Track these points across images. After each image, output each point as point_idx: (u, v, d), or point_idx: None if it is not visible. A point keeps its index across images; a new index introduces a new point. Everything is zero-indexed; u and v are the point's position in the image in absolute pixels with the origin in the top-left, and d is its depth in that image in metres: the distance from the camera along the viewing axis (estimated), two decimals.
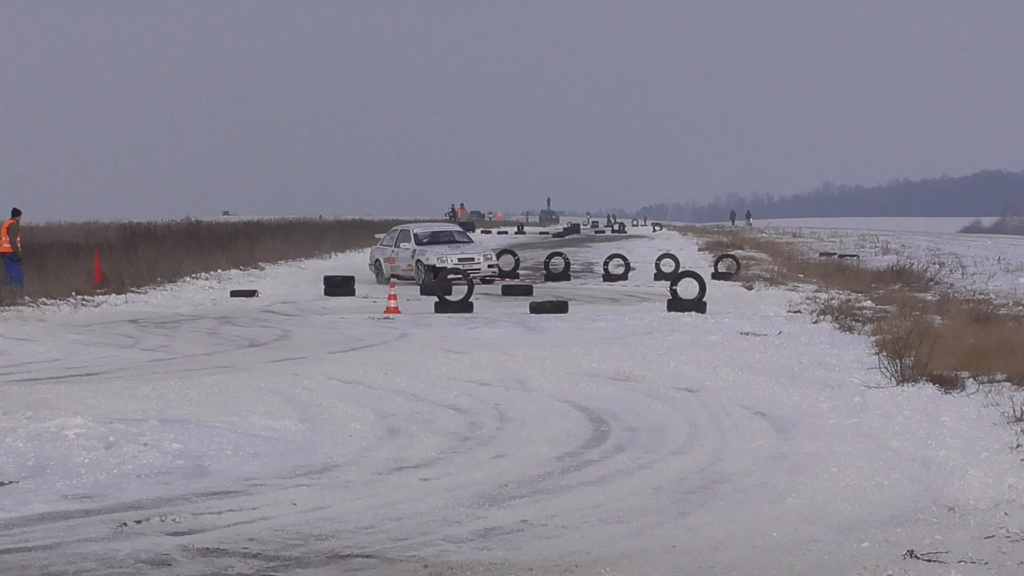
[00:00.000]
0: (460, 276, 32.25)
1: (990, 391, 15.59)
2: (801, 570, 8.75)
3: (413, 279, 38.49)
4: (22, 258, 32.38)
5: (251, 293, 34.53)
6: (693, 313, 27.46)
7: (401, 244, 40.02)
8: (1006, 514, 10.08)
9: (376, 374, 17.85)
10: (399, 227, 42.14)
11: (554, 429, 14.02)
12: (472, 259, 38.33)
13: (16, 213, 33.37)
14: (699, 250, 63.67)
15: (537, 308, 28.28)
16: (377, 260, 41.03)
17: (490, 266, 38.81)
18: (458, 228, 42.68)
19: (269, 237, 56.27)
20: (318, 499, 10.74)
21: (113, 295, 32.10)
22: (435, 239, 40.15)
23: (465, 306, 29.02)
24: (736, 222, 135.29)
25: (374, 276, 40.74)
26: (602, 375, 17.97)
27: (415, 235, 40.21)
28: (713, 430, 13.98)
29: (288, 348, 21.71)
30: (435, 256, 38.19)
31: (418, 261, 38.55)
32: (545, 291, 35.36)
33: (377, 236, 45.78)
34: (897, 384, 16.31)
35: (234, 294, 34.29)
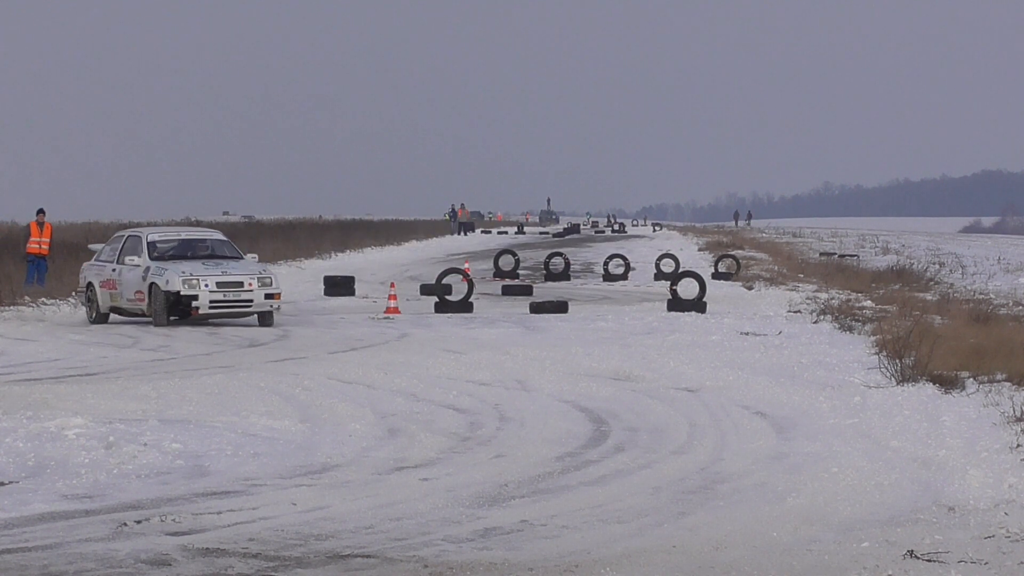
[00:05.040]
0: (225, 309, 25.54)
1: (990, 391, 15.59)
2: (801, 570, 8.74)
3: (142, 312, 26.01)
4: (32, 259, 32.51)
5: None
6: (693, 313, 27.48)
7: (127, 259, 26.37)
8: (1006, 514, 10.08)
9: (376, 374, 17.85)
10: (126, 232, 27.99)
11: (554, 429, 14.02)
12: (240, 283, 25.68)
13: (39, 212, 33.38)
14: (699, 250, 63.71)
15: (537, 308, 28.29)
16: (90, 284, 27.01)
17: (269, 295, 25.68)
18: (220, 236, 28.23)
19: (269, 237, 56.25)
20: (318, 499, 10.74)
21: None
22: (183, 251, 26.80)
23: (465, 306, 29.03)
24: (739, 222, 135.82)
25: (84, 311, 27.40)
26: (602, 375, 17.97)
27: (149, 244, 26.55)
28: (713, 430, 13.98)
29: (288, 348, 21.71)
30: (180, 278, 25.47)
31: (152, 285, 25.59)
32: (545, 291, 35.37)
33: (93, 247, 29.75)
34: (897, 384, 16.31)
35: None
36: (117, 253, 26.82)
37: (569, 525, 9.94)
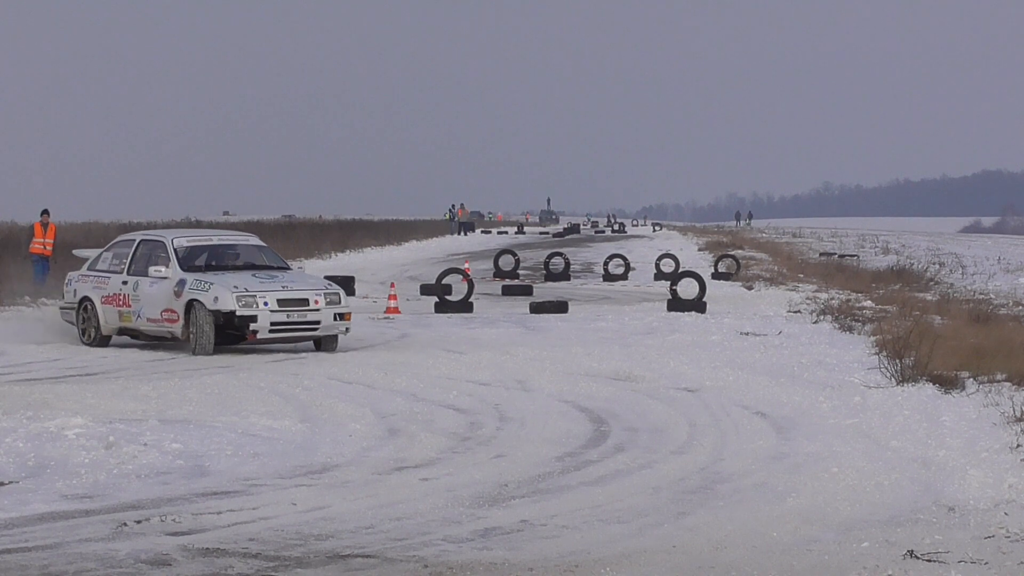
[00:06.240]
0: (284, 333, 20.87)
1: (990, 391, 15.59)
2: (801, 570, 8.75)
3: (172, 336, 21.47)
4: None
5: None
6: (693, 313, 27.48)
7: (152, 270, 21.61)
8: (1006, 514, 10.08)
9: (376, 374, 17.86)
10: (136, 236, 23.28)
11: (554, 429, 14.03)
12: (305, 301, 20.96)
13: (43, 213, 33.37)
14: (699, 250, 63.74)
15: (537, 308, 28.28)
16: (85, 300, 22.53)
17: (339, 315, 21.05)
18: (258, 241, 23.35)
19: (269, 237, 56.18)
20: (318, 499, 10.74)
21: None
22: (219, 260, 22.11)
23: (465, 306, 29.03)
24: (740, 222, 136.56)
25: (78, 332, 22.72)
26: (602, 375, 17.97)
27: (178, 250, 21.86)
28: (713, 430, 13.98)
29: (288, 348, 21.69)
30: (233, 294, 20.69)
31: (193, 302, 20.86)
32: (545, 291, 35.37)
33: (81, 253, 24.66)
34: (897, 384, 16.32)
35: None
36: (127, 261, 22.26)
37: (569, 525, 9.94)
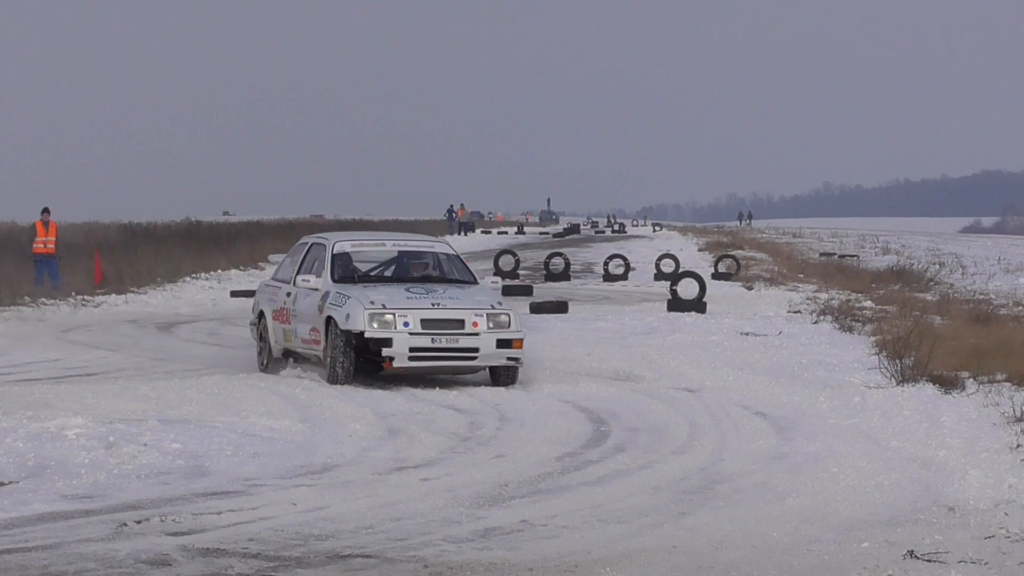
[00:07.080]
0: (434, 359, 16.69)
1: (990, 391, 15.59)
2: (801, 570, 8.75)
3: (319, 360, 17.52)
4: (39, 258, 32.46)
5: (251, 293, 34.37)
6: (693, 313, 27.46)
7: (299, 279, 18.14)
8: (1006, 514, 10.09)
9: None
10: (311, 239, 19.11)
11: (554, 429, 14.03)
12: (460, 322, 16.76)
13: (44, 211, 33.33)
14: (699, 250, 63.72)
15: (537, 308, 28.27)
16: (261, 315, 19.09)
17: (503, 342, 16.79)
18: (446, 248, 18.90)
19: (269, 237, 56.24)
20: (318, 499, 10.74)
21: (113, 295, 32.10)
22: (386, 269, 18.48)
23: None
24: (742, 222, 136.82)
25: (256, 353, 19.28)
26: (602, 375, 17.97)
27: (335, 256, 18.08)
28: (713, 430, 13.99)
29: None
30: (367, 311, 16.62)
31: (329, 320, 17.03)
32: (545, 291, 35.35)
33: (274, 258, 21.76)
34: (897, 384, 16.32)
35: (234, 294, 34.21)
36: (296, 268, 18.53)
37: (569, 525, 9.95)
